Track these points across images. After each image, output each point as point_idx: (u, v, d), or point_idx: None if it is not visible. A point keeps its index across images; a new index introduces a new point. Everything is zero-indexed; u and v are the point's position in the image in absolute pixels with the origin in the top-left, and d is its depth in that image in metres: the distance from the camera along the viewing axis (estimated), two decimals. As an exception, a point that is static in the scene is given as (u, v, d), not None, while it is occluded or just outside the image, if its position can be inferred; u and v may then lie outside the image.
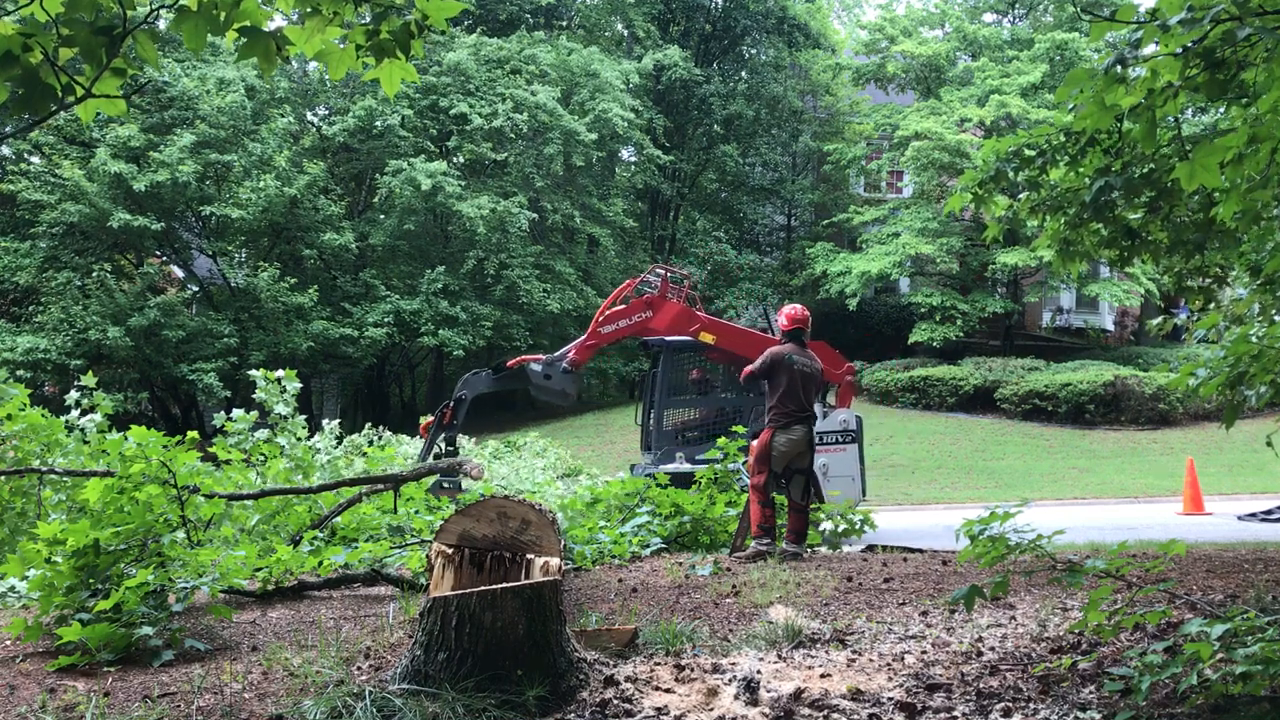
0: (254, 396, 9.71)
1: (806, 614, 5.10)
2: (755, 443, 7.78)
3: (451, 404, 11.54)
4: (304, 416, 9.59)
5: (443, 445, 11.38)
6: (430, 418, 11.64)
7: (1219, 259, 6.97)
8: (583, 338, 11.99)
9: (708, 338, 11.92)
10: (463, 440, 15.80)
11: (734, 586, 6.01)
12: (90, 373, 8.83)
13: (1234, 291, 7.64)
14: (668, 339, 12.05)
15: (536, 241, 29.06)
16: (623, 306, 12.14)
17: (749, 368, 7.92)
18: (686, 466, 11.09)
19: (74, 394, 8.61)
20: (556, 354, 12.03)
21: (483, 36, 29.20)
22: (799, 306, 8.09)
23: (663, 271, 12.56)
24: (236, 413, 8.98)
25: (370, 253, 28.12)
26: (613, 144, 30.52)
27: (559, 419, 28.62)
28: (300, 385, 9.82)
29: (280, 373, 9.62)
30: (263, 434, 8.84)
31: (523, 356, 12.34)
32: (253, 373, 9.89)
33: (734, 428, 9.90)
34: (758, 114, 33.29)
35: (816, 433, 11.59)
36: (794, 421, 7.55)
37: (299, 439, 9.17)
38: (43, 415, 7.48)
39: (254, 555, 5.55)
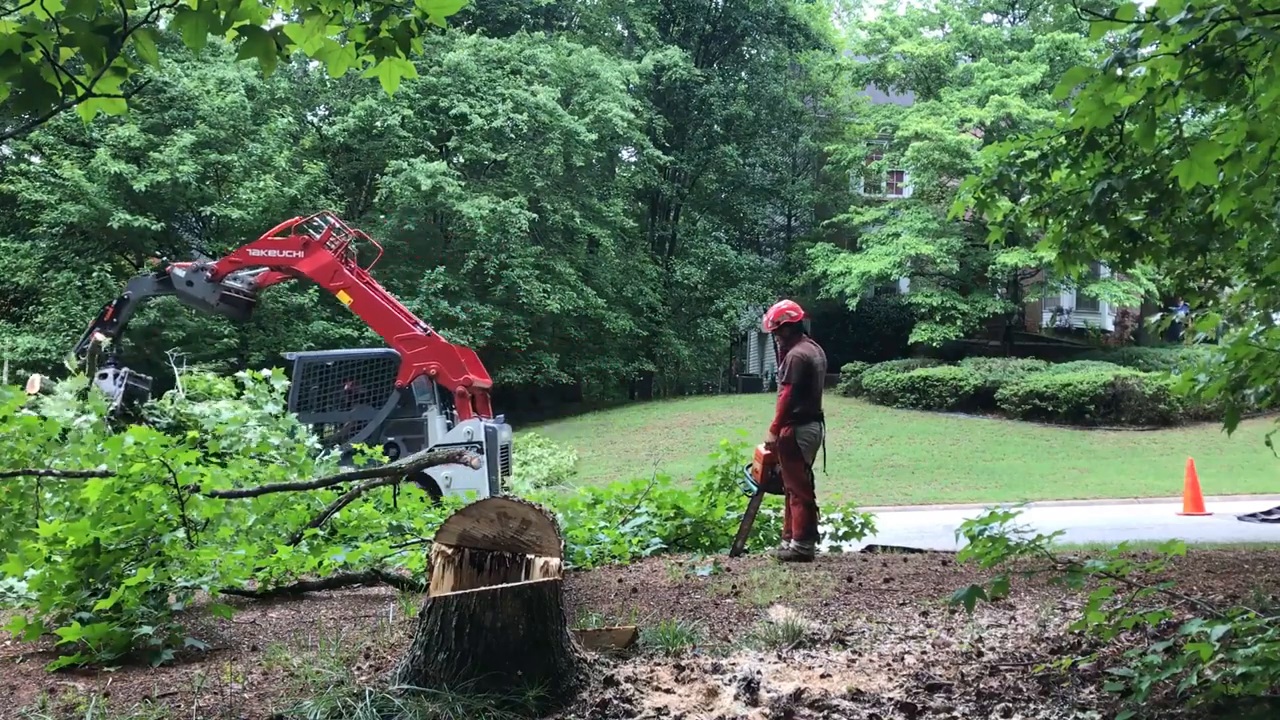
0: (243, 397, 9.75)
1: (806, 614, 5.09)
2: (763, 448, 7.72)
3: (115, 302, 11.86)
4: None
5: (102, 339, 11.49)
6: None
7: (1220, 260, 6.95)
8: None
9: (345, 298, 12.19)
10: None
11: (734, 587, 6.00)
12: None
13: (1235, 291, 7.62)
14: (301, 354, 12.55)
15: (536, 241, 29.04)
16: (282, 239, 12.42)
17: (789, 377, 7.47)
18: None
19: None
20: (204, 263, 12.42)
21: (483, 37, 29.18)
22: (793, 301, 8.09)
23: (332, 220, 12.85)
24: (226, 414, 8.99)
25: (370, 253, 28.07)
26: (613, 144, 30.50)
27: (559, 419, 28.61)
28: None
29: (267, 372, 9.67)
30: (256, 434, 8.84)
31: (179, 263, 12.85)
32: (239, 374, 9.96)
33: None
34: (758, 114, 33.27)
35: (439, 446, 11.81)
36: (812, 418, 7.51)
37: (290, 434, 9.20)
38: (40, 421, 7.46)
39: (254, 555, 5.55)
